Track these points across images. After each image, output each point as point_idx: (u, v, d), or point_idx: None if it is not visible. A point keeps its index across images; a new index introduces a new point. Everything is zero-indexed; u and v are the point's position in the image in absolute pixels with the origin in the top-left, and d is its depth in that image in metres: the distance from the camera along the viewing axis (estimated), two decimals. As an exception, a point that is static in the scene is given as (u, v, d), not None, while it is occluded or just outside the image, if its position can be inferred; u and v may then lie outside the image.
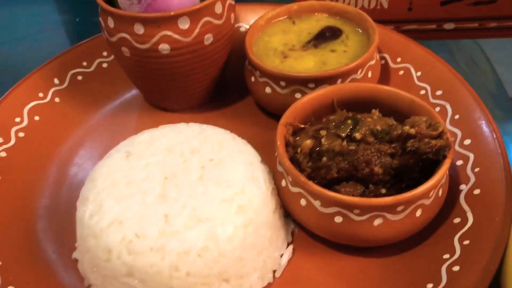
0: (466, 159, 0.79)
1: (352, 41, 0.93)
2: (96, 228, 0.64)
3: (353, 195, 0.68)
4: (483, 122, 0.81)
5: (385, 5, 1.12)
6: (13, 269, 0.70)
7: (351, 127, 0.73)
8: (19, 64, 1.23)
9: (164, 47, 0.82)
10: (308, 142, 0.73)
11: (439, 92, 0.90)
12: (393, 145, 0.70)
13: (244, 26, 1.07)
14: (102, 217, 0.64)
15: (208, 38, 0.84)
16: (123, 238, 0.62)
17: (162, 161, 0.70)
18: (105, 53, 1.06)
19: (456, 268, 0.65)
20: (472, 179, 0.75)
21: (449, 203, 0.74)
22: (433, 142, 0.68)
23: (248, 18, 1.07)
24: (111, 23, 0.83)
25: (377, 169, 0.69)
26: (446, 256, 0.68)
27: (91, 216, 0.66)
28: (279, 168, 0.73)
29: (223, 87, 1.00)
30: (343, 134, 0.73)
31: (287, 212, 0.75)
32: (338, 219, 0.67)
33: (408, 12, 1.13)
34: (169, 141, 0.73)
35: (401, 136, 0.70)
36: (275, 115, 0.93)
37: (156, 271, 0.61)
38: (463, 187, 0.76)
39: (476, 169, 0.76)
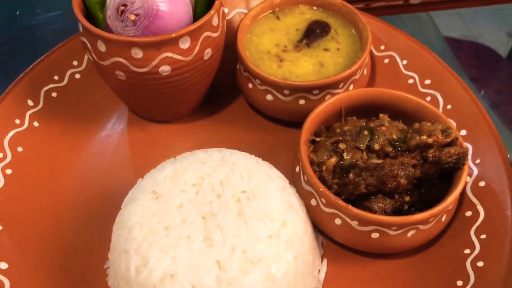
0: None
1: (342, 37, 0.93)
2: (148, 284, 0.63)
3: (385, 210, 0.72)
4: (475, 111, 0.87)
5: (355, -16, 1.12)
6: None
7: (368, 138, 0.75)
8: None
9: (165, 69, 0.77)
10: (333, 160, 0.74)
11: (427, 81, 0.94)
12: (412, 154, 0.74)
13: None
14: (151, 271, 0.63)
15: (208, 53, 0.81)
16: (181, 292, 0.62)
17: (195, 199, 0.69)
18: (75, 63, 0.97)
19: (480, 264, 0.72)
20: (475, 171, 0.82)
21: (459, 196, 0.80)
22: (452, 151, 0.72)
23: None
24: (101, 46, 0.76)
25: (403, 181, 0.72)
26: (467, 251, 0.74)
27: (137, 271, 0.64)
28: (307, 188, 0.75)
29: (212, 89, 0.96)
30: (363, 146, 0.75)
31: (316, 226, 0.77)
32: (375, 235, 0.71)
33: (377, -10, 1.14)
34: (195, 175, 0.71)
35: (419, 145, 0.74)
36: (272, 117, 0.93)
37: (220, 319, 0.61)
38: (468, 179, 0.81)
39: (477, 161, 0.82)
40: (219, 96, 0.98)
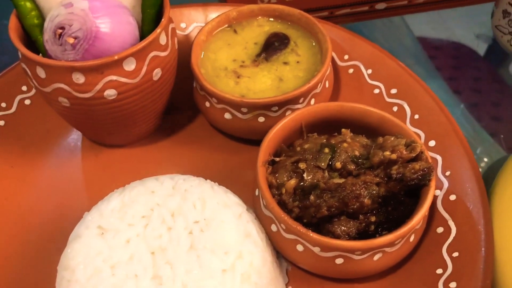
0: (434, 162, 0.80)
1: (302, 49, 0.89)
2: (92, 331, 0.58)
3: (348, 234, 0.67)
4: (443, 121, 0.83)
5: (318, -7, 1.08)
6: None
7: (329, 156, 0.71)
8: None
9: (110, 93, 0.73)
10: (292, 182, 0.70)
11: (393, 91, 0.90)
12: (376, 172, 0.70)
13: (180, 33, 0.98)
14: (96, 318, 0.58)
15: (157, 73, 0.76)
16: (129, 338, 0.57)
17: (143, 234, 0.64)
18: (24, 88, 0.92)
19: (453, 285, 0.68)
20: (446, 183, 0.78)
21: (429, 211, 0.76)
22: (417, 166, 0.68)
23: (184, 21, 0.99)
24: (41, 73, 0.71)
25: (367, 201, 0.68)
26: (440, 271, 0.70)
27: (81, 317, 0.59)
28: (266, 213, 0.70)
29: (171, 108, 0.92)
30: (324, 165, 0.71)
31: (279, 253, 0.73)
32: (339, 261, 0.66)
33: (340, -3, 1.10)
34: (144, 206, 0.67)
35: (382, 162, 0.69)
36: (233, 136, 0.89)
37: None
38: (438, 192, 0.78)
39: (447, 173, 0.79)
40: (178, 115, 0.93)
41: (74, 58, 0.70)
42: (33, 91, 0.92)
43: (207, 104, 0.85)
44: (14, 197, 0.82)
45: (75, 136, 0.90)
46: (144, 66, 0.73)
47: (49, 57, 0.72)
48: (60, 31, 0.70)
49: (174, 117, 0.92)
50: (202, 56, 0.88)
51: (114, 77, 0.71)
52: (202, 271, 0.61)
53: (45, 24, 0.72)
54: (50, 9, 0.75)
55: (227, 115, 0.83)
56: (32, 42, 0.77)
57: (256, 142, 0.87)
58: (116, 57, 0.70)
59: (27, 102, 0.92)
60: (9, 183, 0.83)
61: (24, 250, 0.75)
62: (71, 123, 0.83)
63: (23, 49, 0.71)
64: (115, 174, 0.84)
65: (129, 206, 0.67)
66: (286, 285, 0.72)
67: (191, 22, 1.01)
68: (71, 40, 0.70)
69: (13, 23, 0.75)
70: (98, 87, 0.71)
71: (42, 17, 0.76)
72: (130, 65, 0.72)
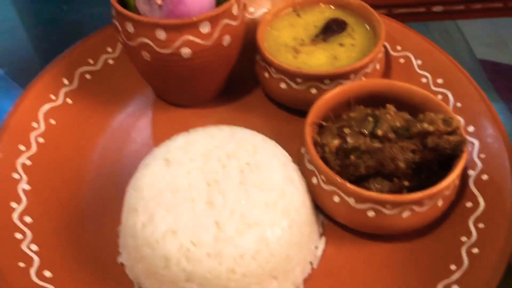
0: (471, 145, 0.86)
1: (358, 34, 0.97)
2: (151, 238, 0.68)
3: (381, 191, 0.75)
4: (484, 109, 0.89)
5: (379, -9, 1.16)
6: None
7: (372, 124, 0.79)
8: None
9: (186, 51, 0.84)
10: (336, 142, 0.78)
11: (440, 81, 0.97)
12: (413, 141, 0.77)
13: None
14: (155, 227, 0.68)
15: (227, 40, 0.87)
16: (180, 247, 0.66)
17: (202, 168, 0.74)
18: (109, 49, 1.06)
19: (475, 251, 0.73)
20: (479, 165, 0.83)
21: (460, 188, 0.82)
22: (451, 138, 0.75)
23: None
24: (130, 28, 0.84)
25: (402, 164, 0.75)
26: (464, 238, 0.76)
27: (143, 226, 0.69)
28: (309, 166, 0.79)
29: (232, 79, 1.02)
30: (366, 132, 0.78)
31: (317, 206, 0.81)
32: (371, 213, 0.73)
33: (400, -3, 1.18)
34: (205, 147, 0.77)
35: (420, 133, 0.76)
36: (286, 107, 0.98)
37: (214, 276, 0.66)
38: (471, 172, 0.83)
39: (482, 155, 0.84)
40: (238, 87, 1.03)
41: (159, 16, 0.82)
42: (117, 52, 1.05)
43: (266, 74, 0.95)
44: (91, 136, 0.94)
45: (147, 95, 1.02)
46: (216, 31, 0.84)
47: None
48: (151, -7, 0.82)
49: (234, 86, 1.03)
50: (266, 32, 0.97)
51: (190, 37, 0.83)
52: (249, 202, 0.70)
53: (138, -13, 0.85)
54: (142, -24, 0.87)
55: (283, 85, 0.92)
56: (125, 4, 0.89)
57: (305, 114, 0.95)
58: (194, 19, 0.81)
59: (110, 61, 1.05)
60: (88, 126, 0.96)
61: (97, 179, 0.88)
62: (147, 78, 0.95)
63: (117, 6, 0.84)
64: (179, 127, 0.95)
65: (191, 144, 0.77)
66: (321, 234, 0.79)
67: (259, 7, 1.11)
68: (159, 1, 0.81)
69: (111, -14, 0.88)
70: (176, 44, 0.83)
71: (134, -18, 0.89)
72: (205, 28, 0.83)
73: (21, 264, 0.74)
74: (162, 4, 0.82)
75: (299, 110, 0.95)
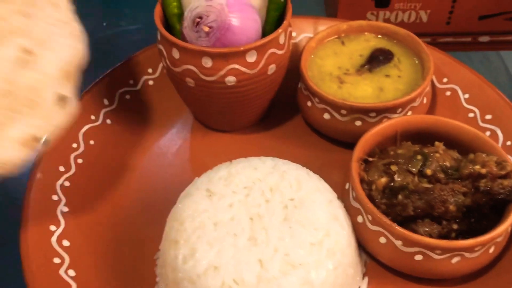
0: (522, 188, 0.82)
1: (404, 65, 0.95)
2: (192, 273, 0.66)
3: (430, 235, 0.72)
4: (536, 150, 0.85)
5: (424, 19, 1.14)
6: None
7: (421, 163, 0.76)
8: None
9: (231, 79, 0.83)
10: (383, 180, 0.75)
11: (488, 117, 0.94)
12: (464, 183, 0.74)
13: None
14: (197, 262, 0.67)
15: (272, 68, 0.86)
16: (222, 284, 0.65)
17: (245, 201, 0.72)
18: (150, 70, 1.05)
19: (527, 303, 0.70)
20: (532, 210, 0.79)
21: None
22: (505, 183, 0.72)
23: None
24: (175, 54, 0.83)
25: (452, 207, 0.72)
26: (514, 288, 0.73)
27: (184, 260, 0.68)
28: (355, 204, 0.76)
29: (273, 107, 1.01)
30: (415, 170, 0.76)
31: (361, 244, 0.78)
32: (418, 257, 0.71)
33: (446, 26, 1.15)
34: (247, 179, 0.75)
35: (471, 175, 0.73)
36: (328, 137, 0.96)
37: (257, 315, 0.64)
38: (523, 216, 0.80)
39: (534, 199, 0.80)
40: (279, 113, 1.02)
41: (206, 45, 0.81)
42: (157, 74, 1.05)
43: (309, 103, 0.93)
44: (130, 159, 0.94)
45: (187, 118, 1.01)
46: (262, 59, 0.83)
47: (184, 41, 0.84)
48: (198, 20, 0.81)
49: (276, 113, 1.01)
50: (310, 61, 0.96)
51: (236, 66, 0.82)
52: (293, 241, 0.68)
53: (186, 13, 0.84)
54: (189, 2, 0.87)
55: (326, 115, 0.90)
56: (170, 28, 0.89)
57: (348, 145, 0.93)
58: (242, 48, 0.80)
59: (151, 82, 1.04)
60: (127, 147, 0.95)
61: (134, 204, 0.87)
62: (189, 103, 0.95)
63: (164, 32, 0.83)
64: (218, 153, 0.94)
65: (234, 176, 0.75)
66: (364, 274, 0.77)
67: (301, 32, 1.10)
68: (206, 29, 0.81)
69: (157, 10, 0.88)
70: (222, 72, 0.82)
71: (181, 8, 0.89)
72: (251, 57, 0.82)
73: (60, 291, 0.73)
74: (209, 32, 0.81)
75: (341, 141, 0.93)
